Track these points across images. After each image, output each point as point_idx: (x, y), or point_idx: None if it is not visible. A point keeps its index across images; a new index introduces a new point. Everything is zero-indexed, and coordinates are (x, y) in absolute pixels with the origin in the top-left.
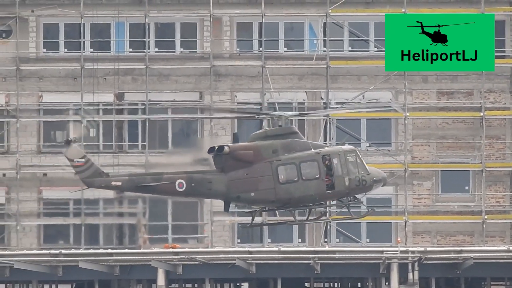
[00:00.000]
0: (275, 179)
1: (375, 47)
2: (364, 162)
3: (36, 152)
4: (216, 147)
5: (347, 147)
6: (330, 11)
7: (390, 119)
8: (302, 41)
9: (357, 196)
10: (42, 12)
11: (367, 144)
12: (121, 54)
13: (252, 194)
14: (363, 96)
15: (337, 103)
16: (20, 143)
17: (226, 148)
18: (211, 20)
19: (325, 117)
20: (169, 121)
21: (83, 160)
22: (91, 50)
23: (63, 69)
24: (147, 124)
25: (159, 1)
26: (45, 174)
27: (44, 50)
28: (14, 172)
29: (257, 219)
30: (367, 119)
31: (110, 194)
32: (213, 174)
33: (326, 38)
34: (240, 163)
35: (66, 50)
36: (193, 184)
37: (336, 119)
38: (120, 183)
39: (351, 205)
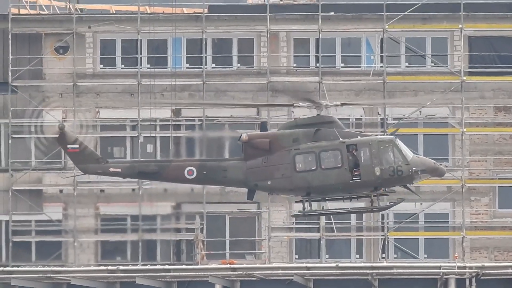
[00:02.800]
0: (292, 167)
1: (432, 62)
2: (404, 152)
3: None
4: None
5: (384, 136)
6: (387, 26)
7: (447, 134)
8: (359, 57)
9: (399, 186)
10: (99, 28)
11: None
12: (178, 70)
13: (269, 182)
14: (420, 111)
15: (394, 118)
16: None
17: (243, 136)
18: (268, 35)
19: (382, 132)
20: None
21: (77, 146)
22: (148, 66)
23: (120, 85)
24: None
25: (216, 17)
26: (102, 190)
27: (101, 66)
28: (71, 188)
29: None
30: (424, 134)
31: (168, 210)
32: (230, 162)
33: (383, 54)
34: (259, 151)
35: (123, 66)
36: (204, 172)
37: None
38: (119, 170)
39: (380, 196)
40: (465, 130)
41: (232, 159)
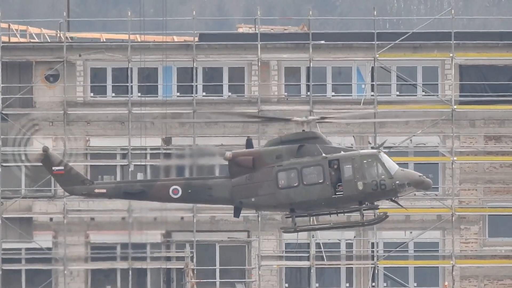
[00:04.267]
0: (275, 184)
1: (423, 91)
2: (387, 166)
3: (83, 197)
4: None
5: (367, 151)
6: (378, 55)
7: (438, 163)
8: (350, 86)
9: (382, 200)
10: (90, 56)
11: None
12: (169, 98)
13: (253, 199)
14: (411, 140)
15: (384, 147)
16: None
17: (227, 153)
18: (259, 64)
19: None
20: (217, 166)
21: (62, 167)
22: (139, 94)
23: (111, 113)
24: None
25: (207, 45)
26: (92, 219)
27: (92, 94)
28: (61, 216)
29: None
30: (414, 163)
31: (158, 238)
32: (215, 180)
33: (374, 83)
34: (243, 168)
35: (113, 94)
36: (189, 191)
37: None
38: (104, 191)
39: (364, 210)
40: (455, 158)
41: (218, 177)
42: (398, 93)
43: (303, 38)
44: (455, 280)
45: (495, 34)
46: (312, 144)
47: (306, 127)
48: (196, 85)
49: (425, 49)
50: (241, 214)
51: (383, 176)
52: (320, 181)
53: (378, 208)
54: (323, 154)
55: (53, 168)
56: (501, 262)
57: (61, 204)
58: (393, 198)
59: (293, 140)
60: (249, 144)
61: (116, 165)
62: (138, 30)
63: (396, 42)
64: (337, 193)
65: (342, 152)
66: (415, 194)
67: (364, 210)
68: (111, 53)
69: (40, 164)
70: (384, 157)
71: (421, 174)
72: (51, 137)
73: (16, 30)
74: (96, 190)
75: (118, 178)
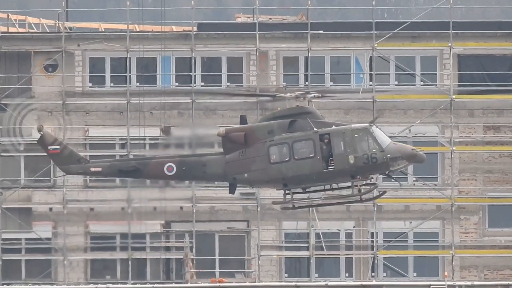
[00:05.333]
0: (266, 159)
1: (421, 81)
2: (378, 139)
3: (82, 187)
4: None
5: (358, 125)
6: (376, 45)
7: (437, 153)
8: (349, 75)
9: (375, 175)
10: (88, 46)
11: (414, 179)
12: (167, 88)
13: (246, 175)
14: (410, 130)
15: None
16: (66, 177)
17: (220, 130)
18: (258, 54)
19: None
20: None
21: (58, 146)
22: (137, 84)
23: (109, 103)
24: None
25: (205, 35)
26: (92, 209)
27: (90, 84)
28: (61, 206)
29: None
30: None
31: (157, 228)
32: (209, 157)
33: (372, 72)
34: (236, 144)
35: (112, 84)
36: (184, 168)
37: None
38: (100, 169)
39: (362, 186)
40: (454, 148)
41: (212, 154)
42: (396, 82)
43: (302, 27)
44: (455, 270)
45: (494, 24)
46: (304, 119)
47: (303, 103)
48: (195, 75)
49: (423, 39)
50: (241, 204)
51: (374, 150)
52: (311, 155)
53: (377, 186)
54: (314, 129)
55: (49, 147)
56: (500, 252)
57: (60, 194)
58: (387, 172)
59: (285, 115)
60: (243, 120)
61: (115, 155)
62: (136, 20)
63: (394, 31)
64: (329, 167)
65: (334, 127)
66: (414, 185)
67: (361, 186)
68: (110, 43)
69: (39, 154)
70: (376, 130)
71: (414, 148)
72: (50, 127)
73: (15, 20)
74: (92, 169)
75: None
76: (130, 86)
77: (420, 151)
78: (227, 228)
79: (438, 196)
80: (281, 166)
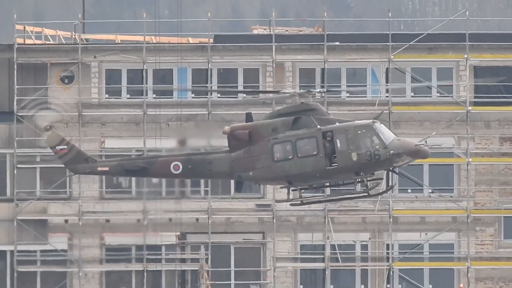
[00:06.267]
0: (270, 157)
1: (437, 92)
2: (381, 136)
3: (98, 198)
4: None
5: (361, 121)
6: (392, 56)
7: (453, 164)
8: (365, 87)
9: (379, 171)
10: (105, 58)
11: (430, 190)
12: (184, 99)
13: (251, 173)
14: (426, 141)
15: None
16: (82, 189)
17: (225, 128)
18: (274, 65)
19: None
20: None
21: (65, 146)
22: (154, 96)
23: (126, 114)
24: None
25: (222, 47)
26: (107, 220)
27: (107, 96)
28: (77, 218)
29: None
30: (429, 164)
31: (172, 240)
32: (215, 155)
33: (388, 84)
34: (241, 142)
35: (128, 96)
36: (190, 166)
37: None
38: (107, 168)
39: (369, 181)
40: (470, 160)
41: (218, 151)
42: (412, 94)
43: (318, 39)
44: (470, 282)
45: (510, 35)
46: (307, 116)
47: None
48: (211, 87)
49: (439, 50)
50: (256, 216)
51: (377, 146)
52: (314, 153)
53: (382, 179)
54: (318, 126)
55: (57, 147)
56: None
57: (76, 206)
58: (391, 168)
59: (290, 112)
60: (248, 118)
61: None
62: (153, 32)
63: (411, 43)
64: (332, 165)
65: (337, 124)
66: (430, 196)
67: (368, 181)
68: (126, 55)
69: (55, 166)
70: (379, 127)
71: (418, 143)
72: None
73: (31, 31)
74: (99, 168)
75: (133, 180)
76: (147, 98)
77: (424, 146)
78: (243, 239)
79: (454, 208)
80: (285, 164)
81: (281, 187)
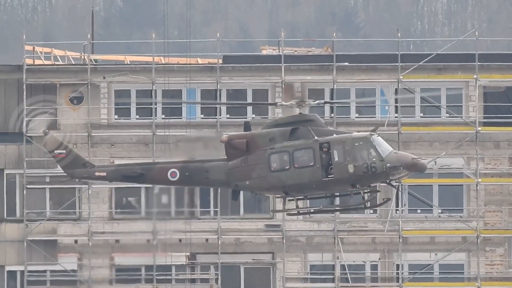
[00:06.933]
0: (267, 167)
1: (446, 113)
2: (378, 149)
3: (108, 219)
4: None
5: (358, 134)
6: (401, 77)
7: (462, 185)
8: (374, 107)
9: (375, 184)
10: (114, 79)
11: (439, 211)
12: (193, 120)
13: (247, 182)
14: (435, 162)
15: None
16: (92, 209)
17: (223, 136)
18: (283, 86)
19: (397, 183)
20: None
21: (63, 151)
22: (163, 116)
23: (135, 135)
24: (219, 190)
25: (231, 67)
26: (117, 241)
27: (116, 116)
28: (86, 238)
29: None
30: (439, 185)
31: (183, 260)
32: (213, 163)
33: (397, 104)
34: (239, 151)
35: (137, 117)
36: (187, 173)
37: (408, 185)
38: (104, 174)
39: (365, 193)
40: (480, 180)
41: (216, 160)
42: (422, 114)
43: (327, 59)
44: None
45: None
46: (305, 127)
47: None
48: (220, 107)
49: (449, 71)
50: (266, 236)
51: (374, 159)
52: (310, 164)
53: (379, 191)
54: (315, 137)
55: (55, 151)
56: None
57: (86, 226)
58: (387, 181)
59: (288, 122)
60: (247, 127)
61: (140, 187)
62: (162, 52)
63: (420, 63)
64: (328, 176)
65: (334, 135)
66: (440, 216)
67: (364, 193)
68: (135, 75)
69: (65, 186)
70: (377, 139)
71: (415, 157)
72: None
73: (41, 52)
74: (97, 173)
75: (143, 200)
76: (156, 118)
77: (421, 160)
78: (253, 260)
79: (464, 228)
80: (281, 174)
81: (277, 197)
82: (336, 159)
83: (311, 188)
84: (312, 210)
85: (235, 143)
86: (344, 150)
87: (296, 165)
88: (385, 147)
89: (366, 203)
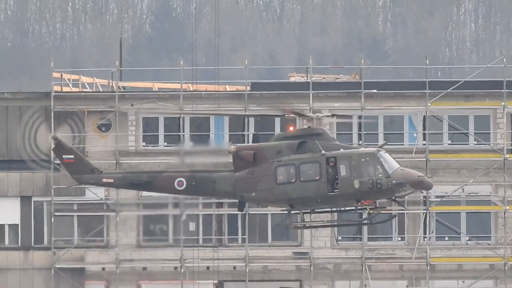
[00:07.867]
0: (273, 179)
1: (474, 140)
2: (385, 165)
3: (135, 246)
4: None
5: (366, 149)
6: (430, 104)
7: (490, 212)
8: (402, 134)
9: (381, 200)
10: (142, 106)
11: (467, 238)
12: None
13: (253, 194)
14: (463, 189)
15: (436, 196)
16: (119, 237)
17: (231, 147)
18: (311, 113)
19: (425, 210)
20: (269, 214)
21: (72, 156)
22: (191, 144)
23: (163, 162)
24: (246, 218)
25: (259, 94)
26: (144, 268)
27: (144, 144)
28: (114, 266)
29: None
30: (466, 212)
31: (210, 287)
32: (220, 173)
33: (425, 131)
34: (246, 162)
35: (165, 144)
36: (193, 183)
37: (436, 212)
38: (112, 180)
39: (372, 209)
40: (507, 208)
41: (223, 170)
42: (450, 142)
43: (355, 87)
44: None
45: None
46: (312, 141)
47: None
48: (248, 134)
49: (477, 98)
50: (294, 263)
51: (380, 175)
52: (316, 178)
53: (385, 208)
54: (322, 151)
55: (64, 156)
56: None
57: (113, 253)
58: (392, 198)
59: (296, 135)
60: (255, 139)
61: (168, 215)
62: (190, 79)
63: (448, 90)
64: (334, 191)
65: (341, 150)
66: (467, 244)
67: (370, 209)
68: (163, 103)
69: (93, 214)
70: (384, 155)
71: (422, 174)
72: (104, 188)
73: (69, 79)
74: (104, 180)
75: (170, 228)
76: (183, 147)
77: (428, 178)
78: (280, 287)
79: (491, 255)
80: (287, 187)
81: (282, 210)
82: (342, 174)
83: (316, 202)
84: (318, 224)
85: (242, 154)
86: (351, 165)
87: (302, 179)
88: (391, 164)
89: (371, 219)
